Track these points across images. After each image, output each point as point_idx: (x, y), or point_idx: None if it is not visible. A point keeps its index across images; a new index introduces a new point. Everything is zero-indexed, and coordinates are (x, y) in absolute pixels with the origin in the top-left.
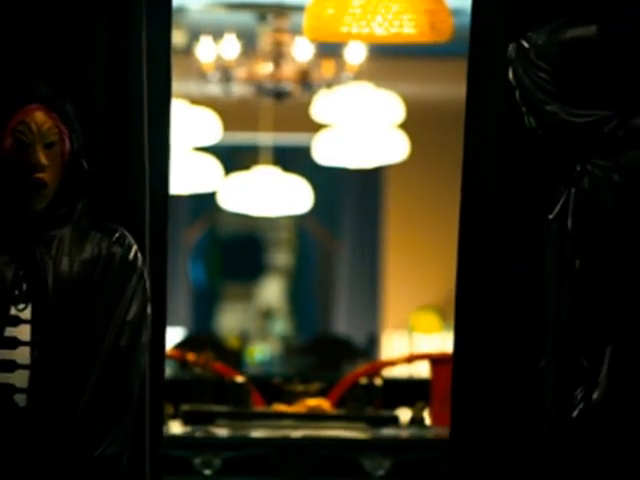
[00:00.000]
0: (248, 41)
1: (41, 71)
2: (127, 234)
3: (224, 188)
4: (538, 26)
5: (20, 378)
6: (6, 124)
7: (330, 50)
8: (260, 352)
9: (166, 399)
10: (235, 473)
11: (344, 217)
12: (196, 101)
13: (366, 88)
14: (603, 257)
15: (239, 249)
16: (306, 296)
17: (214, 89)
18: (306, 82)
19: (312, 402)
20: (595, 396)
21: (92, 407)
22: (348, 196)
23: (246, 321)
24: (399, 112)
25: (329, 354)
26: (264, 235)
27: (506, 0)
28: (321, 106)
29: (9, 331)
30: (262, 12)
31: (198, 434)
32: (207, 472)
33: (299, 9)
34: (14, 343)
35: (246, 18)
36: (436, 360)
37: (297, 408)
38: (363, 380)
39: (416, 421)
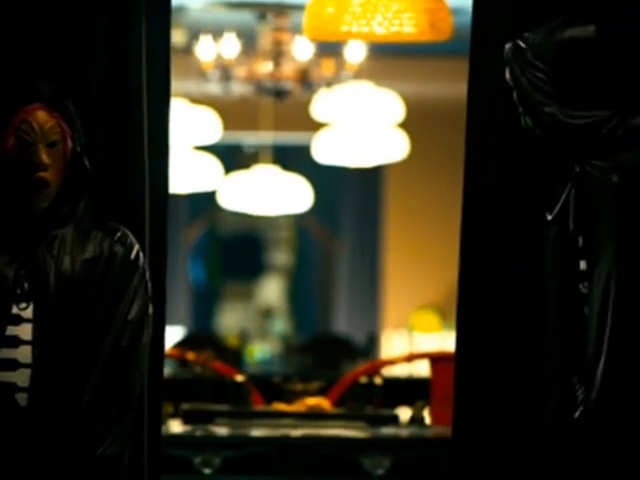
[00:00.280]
0: (248, 40)
1: (41, 71)
2: (129, 233)
3: (224, 187)
4: (539, 25)
5: (21, 377)
6: (8, 123)
7: (330, 49)
8: (260, 351)
9: (166, 398)
10: (235, 472)
11: (344, 216)
12: (196, 100)
13: (366, 87)
14: (603, 257)
15: (239, 248)
16: (306, 295)
17: (214, 88)
18: (306, 81)
19: (312, 401)
20: (593, 396)
21: (93, 406)
22: (348, 195)
23: (246, 320)
24: (399, 111)
25: (329, 353)
26: (264, 234)
27: None
28: (321, 105)
29: (11, 330)
30: (262, 11)
31: (198, 433)
32: (207, 471)
33: (299, 8)
34: (16, 342)
35: (246, 17)
36: (436, 359)
37: (297, 407)
38: (363, 379)
39: (416, 420)
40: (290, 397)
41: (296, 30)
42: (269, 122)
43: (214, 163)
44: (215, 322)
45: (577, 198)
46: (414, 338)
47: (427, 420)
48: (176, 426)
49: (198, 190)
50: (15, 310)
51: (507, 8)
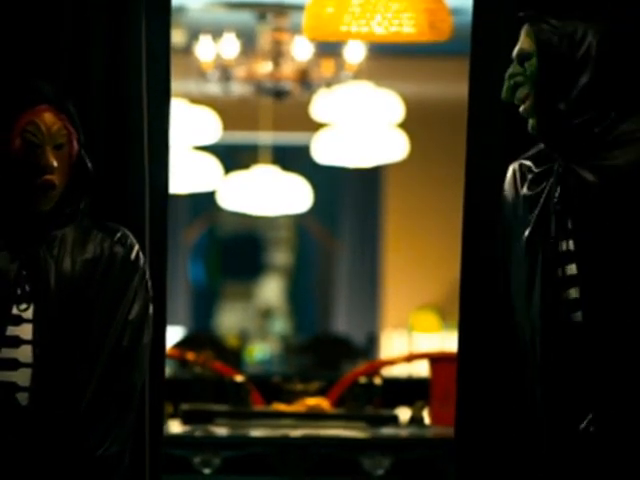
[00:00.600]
0: (247, 40)
1: (41, 71)
2: (129, 234)
3: (223, 187)
4: None
5: (22, 377)
6: (14, 124)
7: (330, 49)
8: (260, 351)
9: (165, 398)
10: (234, 472)
11: (344, 216)
12: (196, 100)
13: (365, 87)
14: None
15: (238, 248)
16: (306, 295)
17: (214, 88)
18: (305, 81)
19: (311, 401)
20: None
21: (94, 406)
22: (348, 195)
23: (246, 320)
24: (398, 111)
25: (329, 353)
26: (263, 234)
27: None
28: (320, 105)
29: (11, 330)
30: (262, 11)
31: (197, 433)
32: (206, 471)
33: (298, 8)
34: (16, 342)
35: (246, 17)
36: (435, 359)
37: (296, 407)
38: (362, 379)
39: (415, 420)
40: (290, 397)
41: (296, 30)
42: (269, 122)
43: (214, 163)
44: (215, 322)
45: (564, 197)
46: (414, 338)
47: (427, 420)
48: (176, 426)
49: (198, 190)
50: (16, 310)
51: (507, 8)
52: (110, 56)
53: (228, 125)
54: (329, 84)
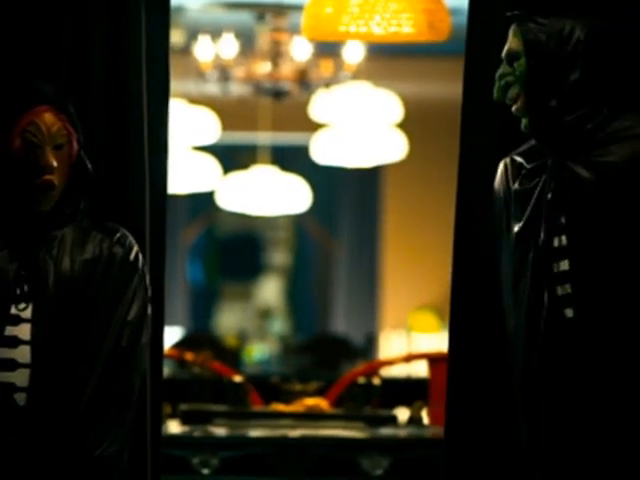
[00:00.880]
0: (246, 40)
1: (41, 71)
2: (128, 234)
3: (222, 187)
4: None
5: (20, 377)
6: (14, 124)
7: (328, 49)
8: (258, 351)
9: (164, 398)
10: (233, 472)
11: (342, 216)
12: (194, 100)
13: (364, 87)
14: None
15: (237, 248)
16: (304, 295)
17: (212, 88)
18: (304, 81)
19: (310, 401)
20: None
21: (93, 406)
22: (346, 195)
23: (244, 320)
24: (397, 111)
25: (327, 353)
26: (262, 234)
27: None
28: (319, 105)
29: (10, 330)
30: (260, 11)
31: (196, 433)
32: (205, 471)
33: (297, 8)
34: (15, 342)
35: (244, 17)
36: (434, 359)
37: (295, 407)
38: (361, 379)
39: (414, 420)
40: (288, 397)
41: (294, 30)
42: (267, 122)
43: (213, 163)
44: (213, 322)
45: (557, 194)
46: (412, 338)
47: (425, 420)
48: (174, 426)
49: (197, 190)
50: (14, 310)
51: (502, 9)
52: (110, 56)
53: (227, 125)
54: (328, 84)
